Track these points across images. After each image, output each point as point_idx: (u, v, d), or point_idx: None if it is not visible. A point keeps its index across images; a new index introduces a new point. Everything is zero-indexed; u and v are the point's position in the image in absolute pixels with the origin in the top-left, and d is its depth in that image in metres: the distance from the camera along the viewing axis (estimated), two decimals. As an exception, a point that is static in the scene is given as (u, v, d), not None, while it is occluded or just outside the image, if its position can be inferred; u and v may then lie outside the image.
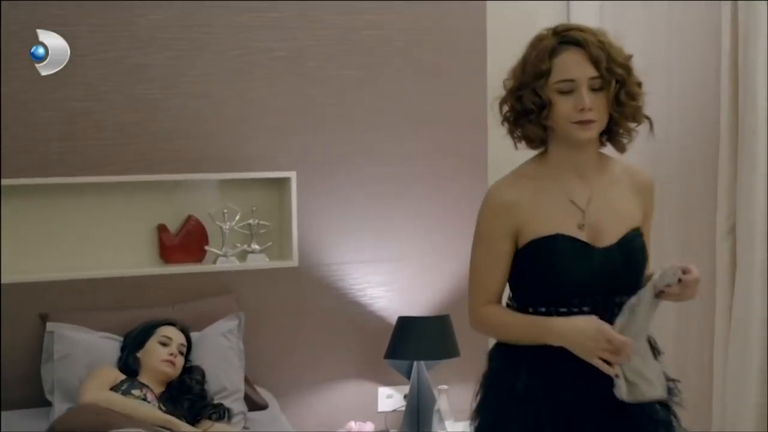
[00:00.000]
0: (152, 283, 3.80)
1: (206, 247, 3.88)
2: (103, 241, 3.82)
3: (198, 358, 3.54)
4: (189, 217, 3.90)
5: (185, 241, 3.89)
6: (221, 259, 3.87)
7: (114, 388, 3.24)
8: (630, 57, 2.17)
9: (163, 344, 3.42)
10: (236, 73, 3.88)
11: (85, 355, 3.46)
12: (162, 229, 3.88)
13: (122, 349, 3.50)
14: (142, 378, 3.36)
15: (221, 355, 3.61)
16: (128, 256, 3.85)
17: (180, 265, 3.86)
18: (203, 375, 3.48)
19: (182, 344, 3.48)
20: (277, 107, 3.93)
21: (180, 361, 3.43)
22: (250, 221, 3.91)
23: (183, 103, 3.82)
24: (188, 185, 3.92)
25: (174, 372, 3.40)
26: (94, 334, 3.54)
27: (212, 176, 3.87)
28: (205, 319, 3.70)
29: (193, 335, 3.58)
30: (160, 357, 3.38)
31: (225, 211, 3.87)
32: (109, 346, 3.52)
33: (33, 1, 3.61)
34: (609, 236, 2.18)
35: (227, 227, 3.86)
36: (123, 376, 3.34)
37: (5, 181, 3.62)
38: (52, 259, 3.76)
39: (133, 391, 3.24)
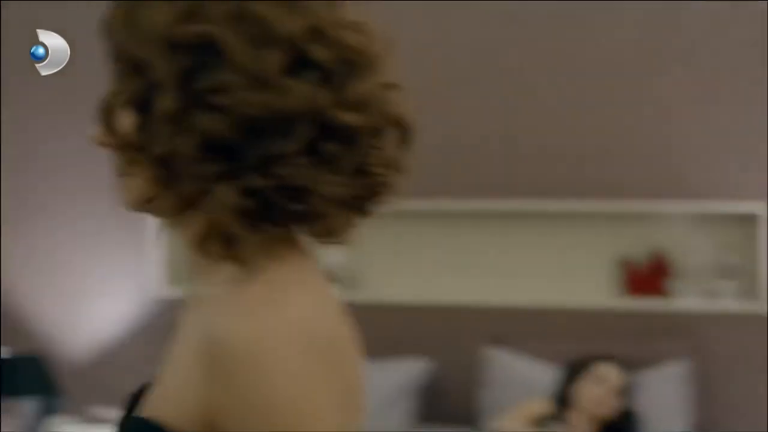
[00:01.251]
0: (607, 318, 3.66)
1: (668, 284, 3.63)
2: (560, 270, 3.77)
3: (641, 401, 3.31)
4: (654, 251, 3.68)
5: (650, 277, 3.68)
6: (682, 298, 3.58)
7: (536, 423, 3.17)
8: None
9: (597, 382, 3.26)
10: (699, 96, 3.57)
11: (519, 384, 3.46)
12: (626, 262, 3.71)
13: (558, 382, 3.42)
14: (572, 414, 3.24)
15: (663, 402, 3.34)
16: (584, 288, 3.75)
17: (638, 300, 3.68)
18: (639, 422, 3.24)
19: (617, 385, 3.28)
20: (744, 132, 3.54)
21: (612, 402, 3.23)
22: (720, 258, 3.56)
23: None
24: (652, 216, 3.69)
25: (605, 413, 3.22)
26: (533, 364, 3.51)
27: (674, 207, 3.61)
28: (657, 360, 3.47)
29: (638, 376, 3.36)
30: (591, 396, 3.23)
31: (690, 245, 3.60)
32: (547, 377, 3.45)
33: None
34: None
35: (692, 263, 3.57)
36: (552, 411, 3.25)
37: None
38: (509, 285, 3.81)
39: (551, 428, 3.14)
